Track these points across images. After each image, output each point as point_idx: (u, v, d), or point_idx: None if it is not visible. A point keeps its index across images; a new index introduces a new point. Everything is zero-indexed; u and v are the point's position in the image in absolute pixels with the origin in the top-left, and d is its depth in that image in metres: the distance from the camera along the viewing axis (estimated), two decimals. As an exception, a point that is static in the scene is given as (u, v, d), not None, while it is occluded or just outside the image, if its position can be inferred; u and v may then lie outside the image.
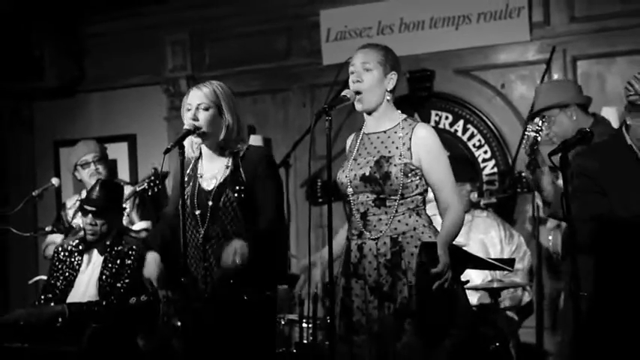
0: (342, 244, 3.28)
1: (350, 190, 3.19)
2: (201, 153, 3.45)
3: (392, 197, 3.12)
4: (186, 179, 3.39)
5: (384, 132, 3.21)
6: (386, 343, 3.07)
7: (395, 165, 3.11)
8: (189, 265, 3.32)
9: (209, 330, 3.29)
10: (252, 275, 3.22)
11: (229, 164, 3.36)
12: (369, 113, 3.24)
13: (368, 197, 3.15)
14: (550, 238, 3.97)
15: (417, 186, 3.14)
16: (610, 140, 3.40)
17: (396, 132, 3.19)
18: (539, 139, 3.52)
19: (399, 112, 3.25)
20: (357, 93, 3.18)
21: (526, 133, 3.54)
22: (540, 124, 3.79)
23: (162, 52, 6.40)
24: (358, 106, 3.21)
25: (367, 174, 3.14)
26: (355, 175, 3.18)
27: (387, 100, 3.21)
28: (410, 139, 3.15)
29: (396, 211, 3.12)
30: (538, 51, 5.33)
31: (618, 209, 3.17)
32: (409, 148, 3.13)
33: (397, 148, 3.15)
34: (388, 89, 3.20)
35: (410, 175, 3.12)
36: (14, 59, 6.43)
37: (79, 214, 4.66)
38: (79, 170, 5.15)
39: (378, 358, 3.09)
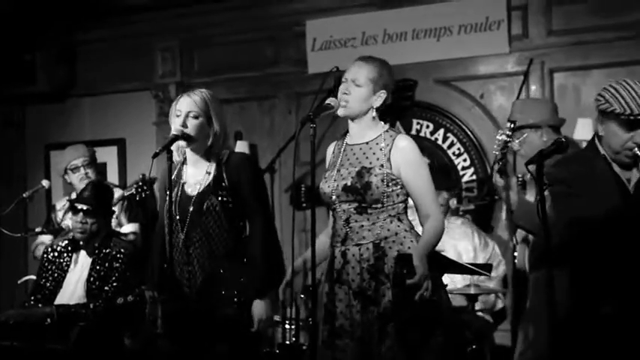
0: (323, 248, 3.30)
1: (333, 199, 3.22)
2: (185, 158, 3.45)
3: (373, 206, 3.15)
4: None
5: (366, 143, 3.24)
6: (369, 346, 3.10)
7: (375, 175, 3.15)
8: (174, 269, 3.34)
9: (193, 331, 3.32)
10: (250, 282, 3.30)
11: (211, 170, 3.37)
12: (352, 119, 3.25)
13: (350, 205, 3.18)
14: (516, 254, 4.00)
15: (397, 195, 3.18)
16: (585, 151, 3.43)
17: (377, 143, 3.21)
18: (509, 143, 3.56)
19: (382, 123, 3.27)
20: (343, 102, 3.20)
21: (497, 137, 3.56)
22: (511, 127, 3.81)
23: (153, 58, 6.45)
24: (340, 112, 3.22)
25: (349, 184, 3.17)
26: (337, 185, 3.21)
27: (373, 118, 3.23)
28: (390, 150, 3.18)
29: (377, 218, 3.16)
30: (516, 63, 5.40)
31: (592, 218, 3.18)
32: (389, 159, 3.17)
33: (378, 159, 3.19)
34: (374, 106, 3.22)
35: (390, 184, 3.16)
36: (6, 64, 6.47)
37: (69, 215, 4.71)
38: (69, 174, 5.19)
39: (360, 361, 3.13)
